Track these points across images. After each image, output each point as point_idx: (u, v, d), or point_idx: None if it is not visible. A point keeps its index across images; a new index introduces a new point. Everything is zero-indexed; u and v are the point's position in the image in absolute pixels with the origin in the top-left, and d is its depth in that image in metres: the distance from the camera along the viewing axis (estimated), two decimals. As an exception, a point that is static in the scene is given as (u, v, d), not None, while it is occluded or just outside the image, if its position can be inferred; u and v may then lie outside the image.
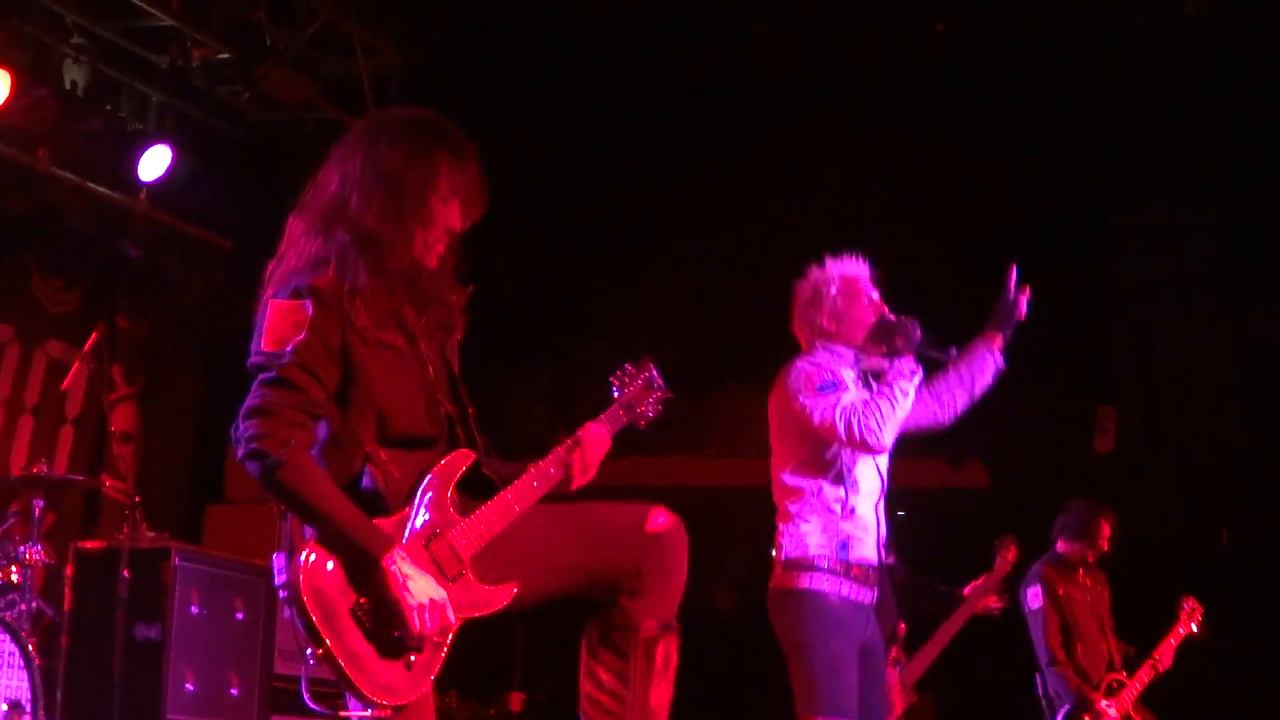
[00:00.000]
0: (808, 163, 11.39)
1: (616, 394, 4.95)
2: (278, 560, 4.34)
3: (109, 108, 10.66)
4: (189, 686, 8.92)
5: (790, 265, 6.60)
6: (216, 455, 10.26)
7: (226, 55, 10.44)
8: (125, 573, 8.57)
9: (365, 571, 4.20)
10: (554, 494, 4.63)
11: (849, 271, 6.44)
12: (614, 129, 11.53)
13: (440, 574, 4.32)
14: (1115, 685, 9.45)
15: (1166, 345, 11.78)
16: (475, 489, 4.51)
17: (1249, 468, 11.79)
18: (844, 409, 6.07)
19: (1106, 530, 9.59)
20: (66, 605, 8.80)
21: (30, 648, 7.77)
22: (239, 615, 9.34)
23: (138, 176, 10.49)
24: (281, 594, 4.30)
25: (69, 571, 8.88)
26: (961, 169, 11.19)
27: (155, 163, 10.48)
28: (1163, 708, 9.69)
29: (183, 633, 8.90)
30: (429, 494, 4.39)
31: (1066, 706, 9.32)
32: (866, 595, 6.27)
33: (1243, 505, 11.95)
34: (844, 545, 6.19)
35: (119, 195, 10.62)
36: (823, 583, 6.17)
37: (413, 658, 4.30)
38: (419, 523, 4.35)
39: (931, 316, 10.81)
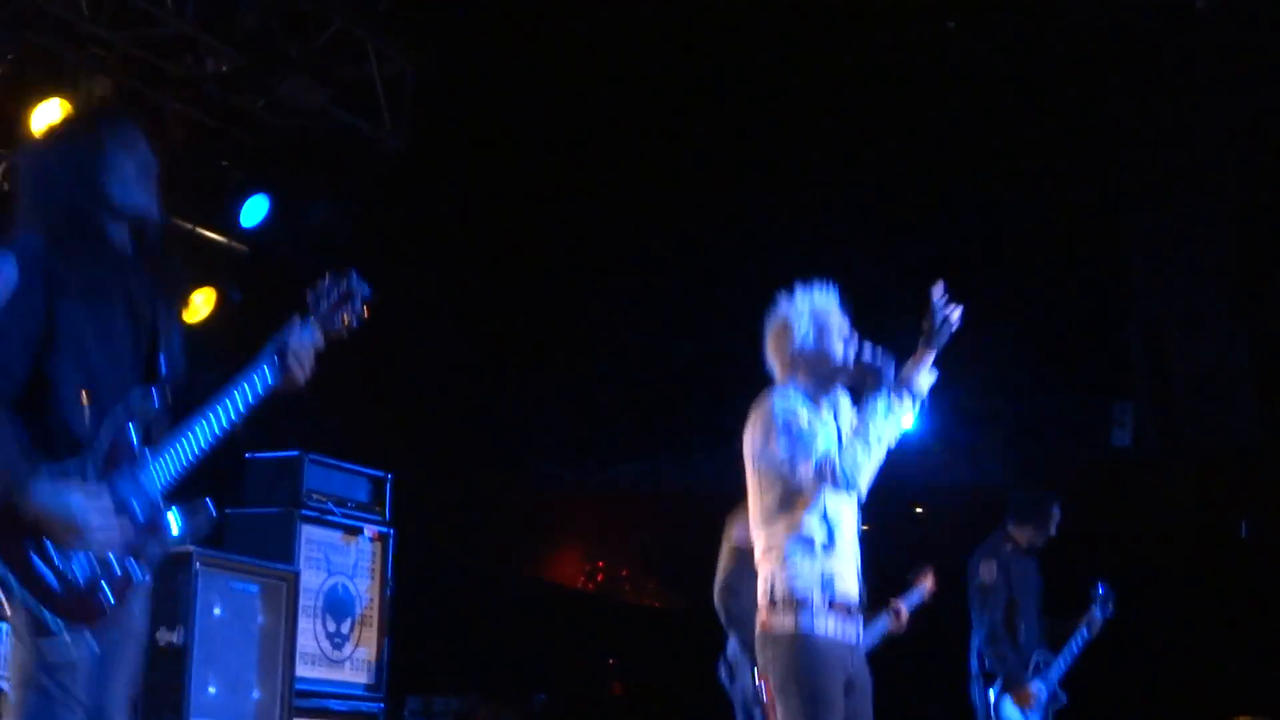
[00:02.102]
0: (818, 164, 11.42)
1: (312, 306, 5.04)
2: None
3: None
4: (211, 690, 8.97)
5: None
6: (236, 460, 10.29)
7: (240, 63, 10.50)
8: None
9: (25, 500, 4.40)
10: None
11: (819, 305, 6.42)
12: (620, 136, 11.56)
13: (123, 506, 4.60)
14: (1042, 665, 9.66)
15: (1182, 340, 11.80)
16: (168, 429, 4.80)
17: (1266, 461, 11.83)
18: (820, 460, 6.16)
19: (1057, 516, 9.71)
20: (89, 610, 8.84)
21: (54, 653, 7.82)
22: (260, 619, 9.38)
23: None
24: None
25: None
26: (975, 167, 11.22)
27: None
28: (1180, 697, 9.78)
29: (205, 637, 8.93)
30: (115, 432, 4.64)
31: (999, 681, 9.45)
32: (851, 633, 6.31)
33: (1260, 498, 11.99)
34: (829, 582, 6.22)
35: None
36: (810, 624, 6.19)
37: (103, 583, 4.53)
38: (102, 458, 4.60)
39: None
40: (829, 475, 6.13)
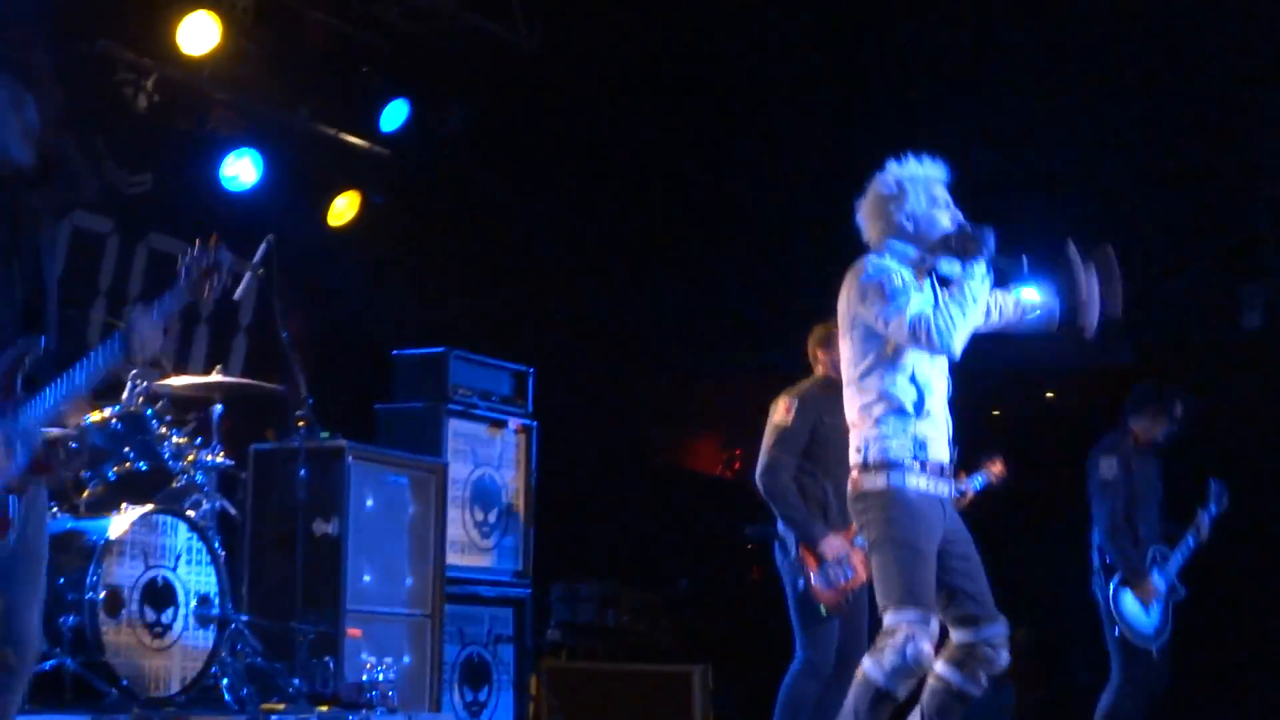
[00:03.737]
0: (944, 43, 11.39)
1: (181, 277, 5.24)
2: None
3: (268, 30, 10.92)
4: (366, 579, 9.29)
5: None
6: (384, 357, 10.56)
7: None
8: (302, 471, 8.94)
9: None
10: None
11: (930, 173, 6.50)
12: (753, 30, 11.64)
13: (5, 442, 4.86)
14: (1160, 558, 9.76)
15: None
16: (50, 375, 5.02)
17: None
18: (915, 315, 6.19)
19: (1179, 412, 9.78)
20: (248, 503, 9.17)
21: (216, 544, 8.15)
22: (411, 510, 9.66)
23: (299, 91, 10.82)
24: None
25: (249, 472, 9.25)
26: (1099, 53, 11.18)
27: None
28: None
29: (358, 528, 9.23)
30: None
31: (1119, 575, 9.58)
32: (944, 488, 6.43)
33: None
34: (921, 445, 6.34)
35: (280, 110, 10.92)
36: (902, 479, 6.31)
37: None
38: None
39: (1071, 199, 10.95)
40: (922, 335, 6.18)
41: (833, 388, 7.10)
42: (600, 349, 12.70)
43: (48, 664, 7.28)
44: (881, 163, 6.60)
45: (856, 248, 6.61)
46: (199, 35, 10.01)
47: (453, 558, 9.97)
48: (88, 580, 7.46)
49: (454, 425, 10.22)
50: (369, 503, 9.36)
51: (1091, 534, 9.75)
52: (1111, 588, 9.59)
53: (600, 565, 11.99)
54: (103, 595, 7.51)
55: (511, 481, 10.57)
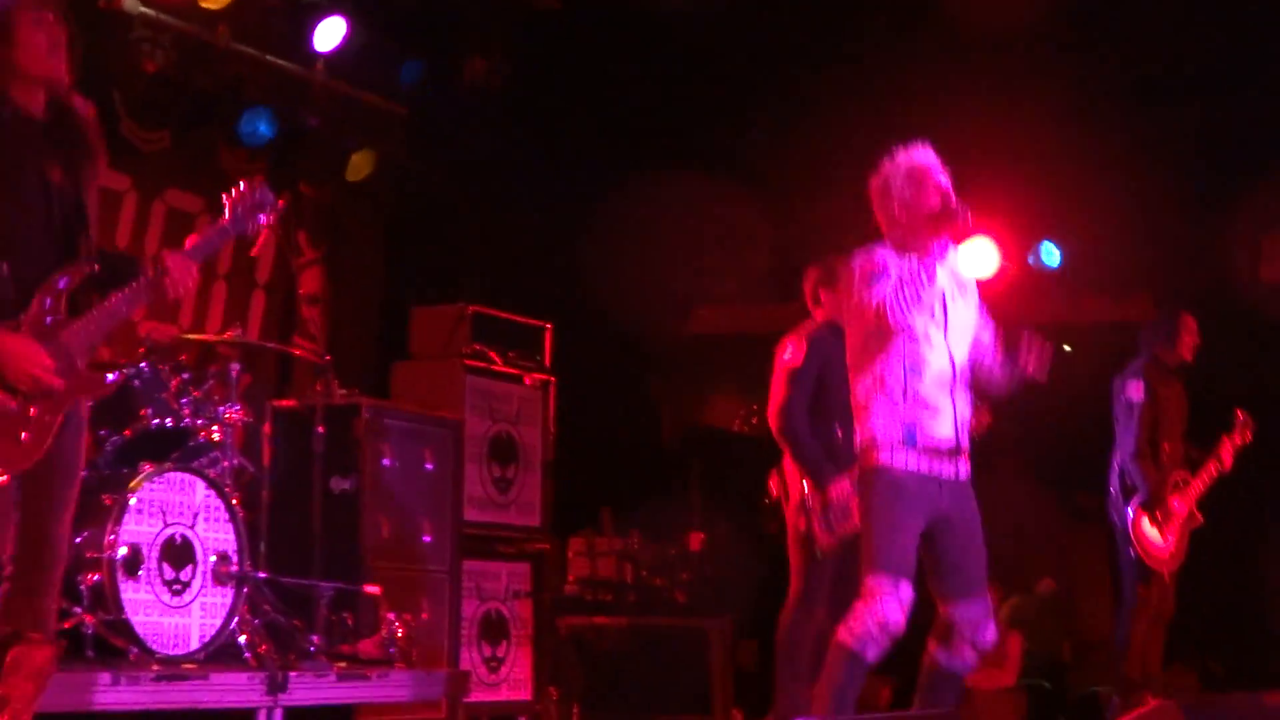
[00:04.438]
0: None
1: (228, 212, 5.47)
2: None
3: (283, -19, 10.94)
4: (384, 535, 9.33)
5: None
6: (401, 314, 10.58)
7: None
8: (320, 429, 8.98)
9: None
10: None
11: (916, 160, 6.70)
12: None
13: (51, 356, 5.01)
14: (1181, 483, 9.85)
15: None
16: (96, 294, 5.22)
17: None
18: (879, 297, 6.47)
19: (1192, 327, 9.93)
20: (265, 461, 9.15)
21: (234, 502, 8.15)
22: (428, 466, 9.69)
23: (314, 48, 10.81)
24: None
25: (266, 429, 9.24)
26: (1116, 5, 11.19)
27: (330, 33, 10.77)
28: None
29: (376, 484, 9.28)
30: (43, 299, 5.04)
31: (1139, 498, 9.64)
32: (943, 468, 6.63)
33: None
34: (909, 430, 6.56)
35: (297, 67, 10.93)
36: (889, 458, 6.56)
37: (23, 434, 4.99)
38: (30, 318, 5.02)
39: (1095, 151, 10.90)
40: (886, 319, 6.48)
41: (838, 329, 7.29)
42: (618, 303, 12.69)
43: (67, 622, 7.31)
44: (909, 131, 6.76)
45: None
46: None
47: (470, 513, 10.01)
48: (106, 538, 7.49)
49: (471, 381, 10.25)
50: (386, 459, 9.38)
51: (1111, 457, 9.81)
52: (1130, 511, 9.65)
53: (618, 520, 12.00)
54: (121, 553, 7.54)
55: (529, 437, 10.60)
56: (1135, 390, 9.73)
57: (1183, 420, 9.94)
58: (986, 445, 9.19)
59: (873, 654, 6.54)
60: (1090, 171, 11.73)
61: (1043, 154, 11.70)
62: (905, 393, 6.57)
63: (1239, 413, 9.97)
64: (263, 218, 5.49)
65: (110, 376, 5.46)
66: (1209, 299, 11.49)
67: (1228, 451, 9.93)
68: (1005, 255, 11.93)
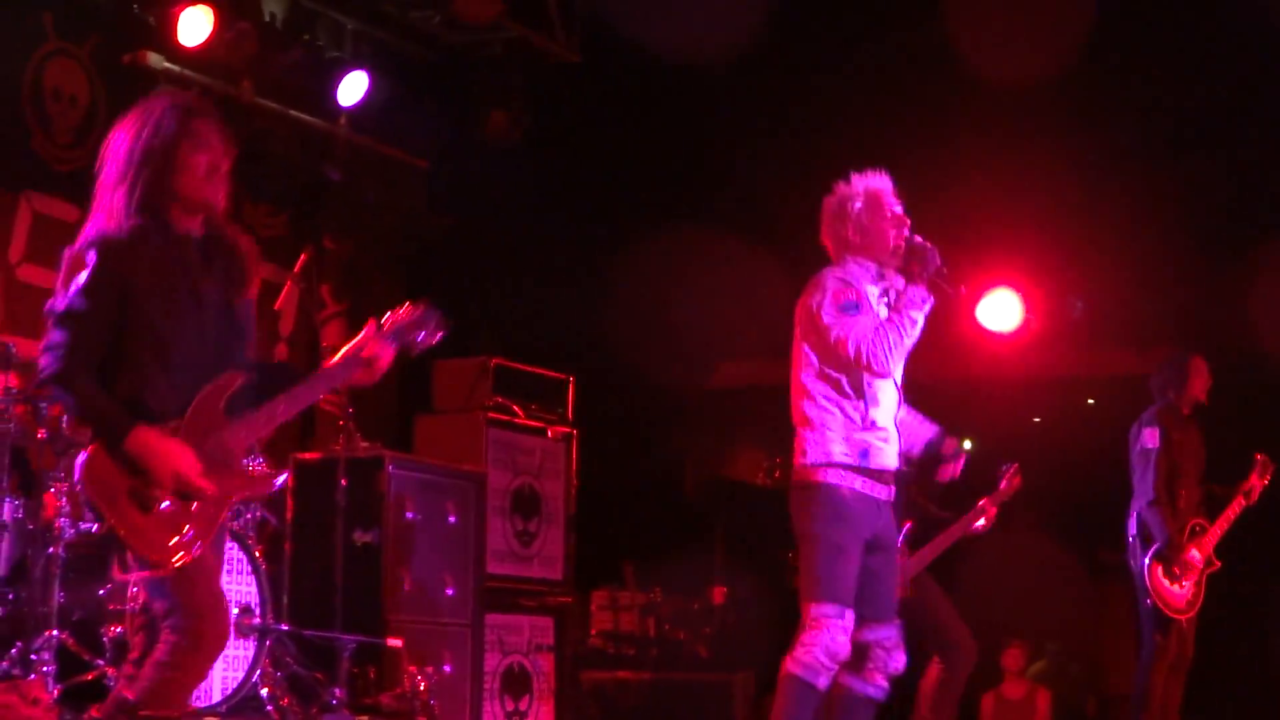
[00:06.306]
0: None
1: (389, 324, 5.51)
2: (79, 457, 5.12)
3: (307, 37, 10.94)
4: (406, 588, 9.30)
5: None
6: (423, 368, 10.58)
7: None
8: (343, 481, 8.97)
9: (123, 451, 4.99)
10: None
11: (873, 185, 6.73)
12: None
13: (207, 459, 5.10)
14: (1198, 530, 9.79)
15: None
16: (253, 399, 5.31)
17: None
18: (857, 334, 6.46)
19: (1203, 369, 9.87)
20: (288, 514, 9.15)
21: (257, 554, 8.15)
22: (451, 519, 9.65)
23: (337, 102, 10.85)
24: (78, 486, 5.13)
25: (289, 482, 9.27)
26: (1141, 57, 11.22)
27: (353, 88, 10.82)
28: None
29: (398, 537, 9.24)
30: (199, 406, 5.14)
31: (1156, 545, 9.60)
32: (882, 492, 6.67)
33: None
34: (864, 453, 6.59)
35: (320, 121, 10.99)
36: (838, 477, 6.56)
37: (186, 527, 5.06)
38: (186, 423, 5.11)
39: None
40: (862, 360, 6.47)
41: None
42: (640, 356, 12.71)
43: (89, 674, 7.31)
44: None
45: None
46: (236, 45, 10.03)
47: (493, 566, 9.98)
48: (129, 591, 7.46)
49: (494, 434, 10.23)
50: (409, 512, 9.36)
51: (1130, 504, 9.77)
52: (1147, 559, 9.61)
53: (641, 574, 11.98)
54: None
55: (552, 490, 10.57)
56: (1150, 437, 9.71)
57: (1200, 465, 9.90)
58: (1010, 501, 9.25)
59: (824, 683, 6.55)
60: (1113, 224, 11.73)
61: (1066, 206, 11.72)
62: (864, 419, 6.61)
63: (1258, 456, 9.93)
64: (422, 336, 5.56)
65: (280, 479, 5.65)
66: (1232, 351, 11.48)
67: (1249, 493, 9.88)
68: (1028, 308, 11.88)
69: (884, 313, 6.62)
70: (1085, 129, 11.73)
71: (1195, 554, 9.69)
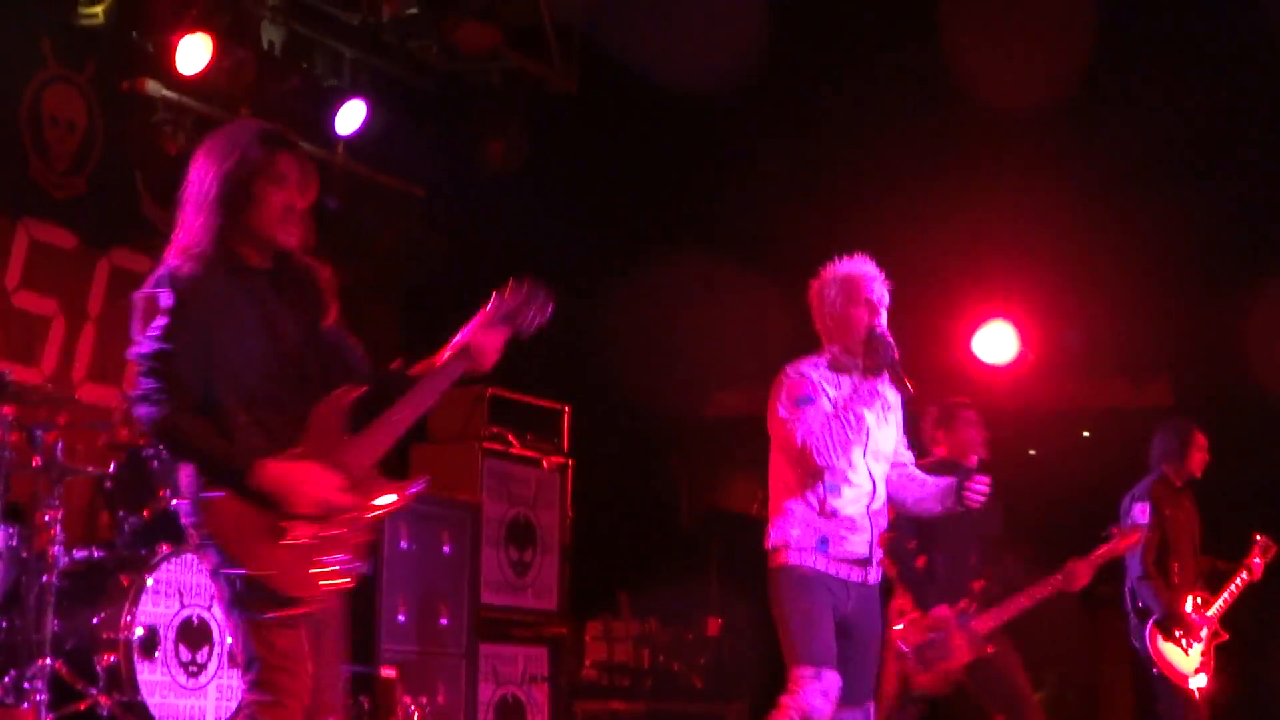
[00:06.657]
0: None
1: (498, 306, 5.45)
2: (183, 505, 4.93)
3: (305, 66, 10.98)
4: (401, 618, 9.29)
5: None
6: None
7: (414, 9, 10.79)
8: (338, 511, 8.96)
9: (249, 489, 4.77)
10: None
11: (850, 271, 6.73)
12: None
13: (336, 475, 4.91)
14: (1200, 602, 9.74)
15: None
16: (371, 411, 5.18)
17: None
18: (804, 427, 6.53)
19: (1201, 442, 9.79)
20: (283, 543, 9.18)
21: (252, 583, 8.16)
22: (446, 549, 9.67)
23: (335, 131, 10.87)
24: (194, 533, 4.90)
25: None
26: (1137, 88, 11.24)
27: (351, 117, 10.84)
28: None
29: (393, 567, 9.26)
30: (318, 426, 5.01)
31: (1154, 617, 9.56)
32: (848, 573, 6.67)
33: None
34: (823, 541, 6.62)
35: (318, 149, 10.98)
36: (798, 557, 6.62)
37: (327, 560, 4.85)
38: (309, 447, 4.94)
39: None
40: (809, 456, 6.52)
41: (954, 467, 7.59)
42: (636, 386, 12.69)
43: (83, 704, 7.29)
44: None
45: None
46: (234, 73, 10.04)
47: (487, 596, 9.98)
48: (123, 619, 7.47)
49: (489, 464, 10.23)
50: (404, 542, 9.36)
51: (1123, 581, 9.73)
52: (1146, 631, 9.56)
53: (636, 604, 11.95)
54: (138, 634, 7.52)
55: (547, 520, 10.56)
56: (1140, 513, 9.62)
57: (1195, 538, 9.84)
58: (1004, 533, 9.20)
59: None
60: (1109, 257, 11.73)
61: (1062, 238, 11.72)
62: (823, 507, 6.62)
63: (1256, 535, 9.90)
64: (533, 314, 5.52)
65: (414, 487, 5.30)
66: (1229, 384, 11.48)
67: (1249, 572, 9.84)
68: (1024, 340, 11.89)
69: (836, 402, 6.66)
70: (1081, 161, 11.73)
71: (1195, 616, 9.62)
